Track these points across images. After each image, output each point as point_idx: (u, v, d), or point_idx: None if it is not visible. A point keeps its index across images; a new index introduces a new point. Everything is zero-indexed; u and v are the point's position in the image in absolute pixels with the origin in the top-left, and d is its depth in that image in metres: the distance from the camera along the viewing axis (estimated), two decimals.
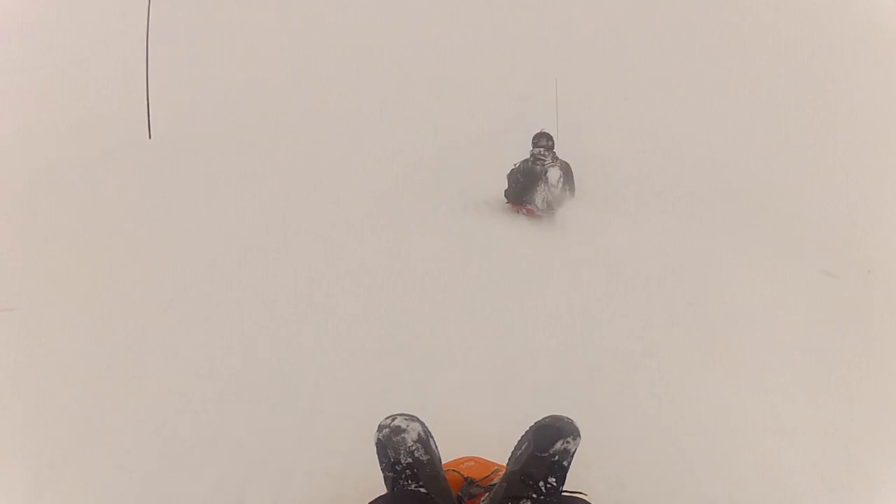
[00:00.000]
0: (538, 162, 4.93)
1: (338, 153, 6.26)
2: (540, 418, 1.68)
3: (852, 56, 6.69)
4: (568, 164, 5.07)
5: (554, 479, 1.55)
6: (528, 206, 4.94)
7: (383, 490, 1.65)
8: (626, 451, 2.22)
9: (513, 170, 5.08)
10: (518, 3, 11.50)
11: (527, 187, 4.89)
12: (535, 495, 1.52)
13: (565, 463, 1.57)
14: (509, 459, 1.68)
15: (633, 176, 5.65)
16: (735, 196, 5.04)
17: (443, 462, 1.81)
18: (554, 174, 4.81)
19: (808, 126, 5.80)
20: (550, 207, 4.80)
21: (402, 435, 1.61)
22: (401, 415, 1.69)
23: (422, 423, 1.69)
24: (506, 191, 5.10)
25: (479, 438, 2.03)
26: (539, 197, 4.82)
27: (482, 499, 1.68)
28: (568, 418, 1.66)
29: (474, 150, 6.34)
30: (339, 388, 2.58)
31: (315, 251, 4.05)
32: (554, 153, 5.05)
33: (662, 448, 2.25)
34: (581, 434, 1.63)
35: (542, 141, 5.04)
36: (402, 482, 1.57)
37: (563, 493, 1.57)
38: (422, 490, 1.54)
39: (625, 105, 8.04)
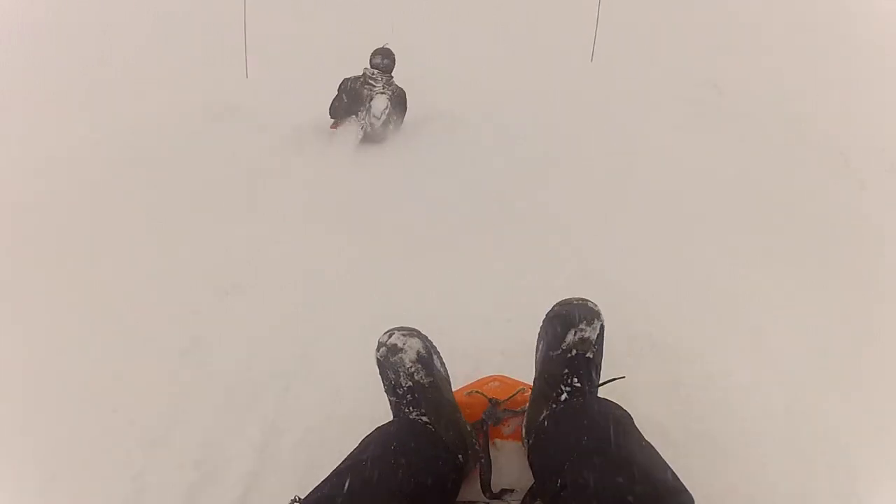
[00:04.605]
0: (367, 85, 4.51)
1: None
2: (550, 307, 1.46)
3: (852, 56, 6.72)
4: (402, 93, 4.62)
5: (577, 380, 1.32)
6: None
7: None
8: None
9: (344, 80, 4.59)
10: None
11: (349, 109, 4.49)
12: (553, 405, 1.31)
13: (589, 355, 1.34)
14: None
15: None
16: (737, 193, 5.07)
17: (467, 383, 1.70)
18: (379, 104, 4.42)
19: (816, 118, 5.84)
20: (367, 138, 4.47)
21: (400, 355, 1.40)
22: (398, 329, 1.45)
23: (422, 339, 1.46)
24: (331, 104, 4.60)
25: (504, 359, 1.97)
26: (357, 123, 4.45)
27: (507, 424, 1.52)
28: (580, 300, 1.41)
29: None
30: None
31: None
32: (390, 76, 4.61)
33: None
34: (601, 315, 1.40)
35: (377, 59, 4.60)
36: (403, 408, 1.38)
37: (603, 400, 1.32)
38: (423, 419, 1.34)
39: None
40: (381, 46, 4.68)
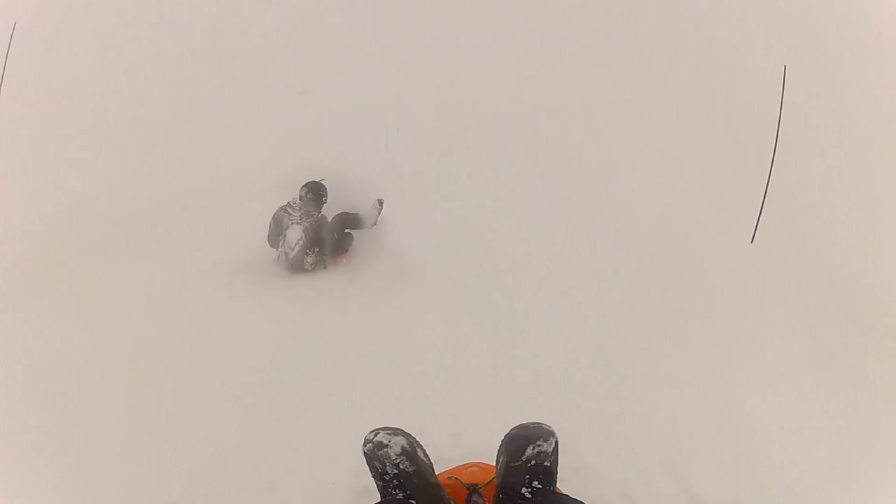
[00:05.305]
0: (286, 213, 4.50)
1: None
2: (510, 429, 1.69)
3: (849, 71, 6.67)
4: (326, 227, 4.51)
5: (538, 482, 1.56)
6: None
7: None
8: (628, 454, 2.25)
9: (277, 210, 4.57)
10: None
11: (273, 236, 4.51)
12: (521, 502, 1.54)
13: (546, 463, 1.58)
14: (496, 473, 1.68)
15: None
16: (736, 201, 5.08)
17: (448, 468, 1.84)
18: (293, 234, 4.43)
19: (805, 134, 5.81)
20: (291, 268, 4.44)
21: (385, 450, 1.62)
22: (383, 429, 1.68)
23: (406, 436, 1.68)
24: (268, 234, 4.56)
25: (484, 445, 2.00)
26: (280, 251, 4.44)
27: None
28: (535, 423, 1.67)
29: None
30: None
31: None
32: (312, 210, 4.54)
33: (661, 450, 2.27)
34: (555, 433, 1.62)
35: (302, 191, 4.58)
36: (390, 491, 1.60)
37: (561, 494, 1.57)
38: (411, 501, 1.58)
39: None
40: (316, 181, 4.67)
